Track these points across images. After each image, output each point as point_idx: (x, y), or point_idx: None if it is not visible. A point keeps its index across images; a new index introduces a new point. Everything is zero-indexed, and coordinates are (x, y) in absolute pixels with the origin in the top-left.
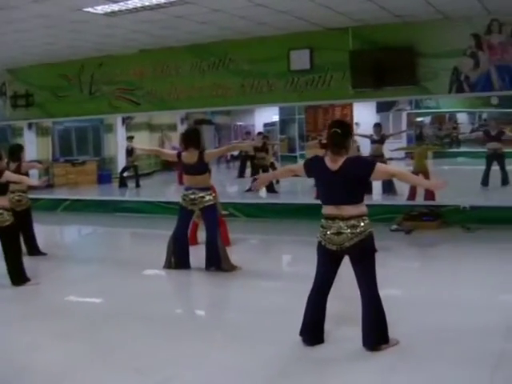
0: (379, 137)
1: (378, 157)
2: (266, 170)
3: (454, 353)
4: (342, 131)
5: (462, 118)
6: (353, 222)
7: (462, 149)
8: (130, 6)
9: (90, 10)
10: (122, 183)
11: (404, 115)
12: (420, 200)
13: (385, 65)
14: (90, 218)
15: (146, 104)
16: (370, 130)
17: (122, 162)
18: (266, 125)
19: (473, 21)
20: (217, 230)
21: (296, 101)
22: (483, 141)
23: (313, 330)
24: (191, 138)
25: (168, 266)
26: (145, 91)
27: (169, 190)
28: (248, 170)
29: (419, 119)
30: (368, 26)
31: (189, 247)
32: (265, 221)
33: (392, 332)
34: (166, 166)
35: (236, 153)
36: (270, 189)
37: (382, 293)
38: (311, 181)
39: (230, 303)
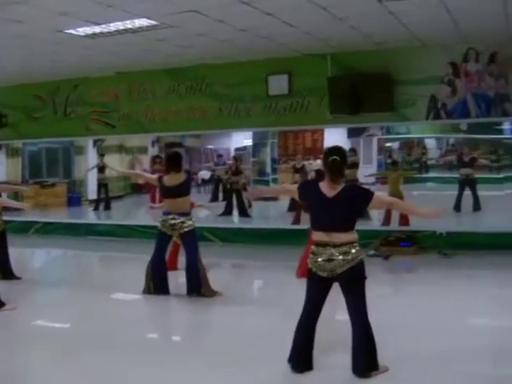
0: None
1: (352, 181)
2: (239, 194)
3: (444, 379)
4: (341, 159)
5: (430, 143)
6: (344, 248)
7: (431, 174)
8: (113, 29)
9: (71, 31)
10: (97, 206)
11: (375, 140)
12: (395, 225)
13: (363, 91)
14: (63, 241)
15: (121, 127)
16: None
17: (92, 184)
18: (237, 149)
19: (450, 49)
20: (197, 254)
21: (274, 125)
22: (455, 167)
23: (302, 357)
24: (174, 161)
25: (147, 291)
26: (120, 114)
27: (141, 212)
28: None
29: (388, 144)
30: (346, 53)
31: (167, 272)
32: (240, 245)
33: (379, 358)
34: (137, 189)
35: (207, 177)
36: (243, 213)
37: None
38: (285, 206)
39: (211, 330)
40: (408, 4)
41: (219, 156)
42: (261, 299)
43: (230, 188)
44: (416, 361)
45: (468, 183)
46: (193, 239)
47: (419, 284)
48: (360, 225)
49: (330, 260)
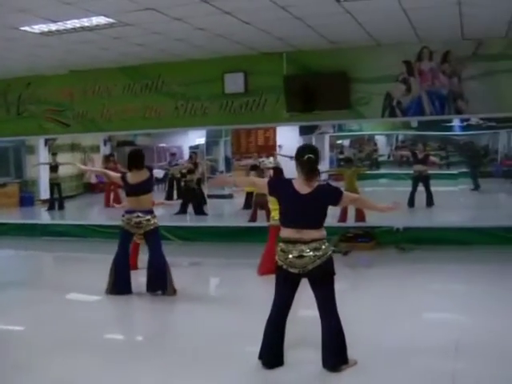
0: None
1: None
2: (194, 193)
3: (408, 374)
4: (315, 157)
5: (380, 140)
6: (315, 244)
7: (382, 170)
8: (69, 26)
9: (27, 28)
10: (51, 205)
11: (327, 138)
12: (351, 222)
13: (318, 89)
14: (16, 242)
15: (76, 125)
16: (292, 153)
17: (44, 184)
18: (191, 147)
19: (404, 48)
20: (162, 252)
21: (230, 124)
22: (406, 163)
23: (273, 353)
24: (136, 159)
25: (110, 291)
26: (75, 112)
27: (95, 212)
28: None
29: (339, 141)
30: (302, 52)
31: (130, 272)
32: (199, 244)
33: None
34: (89, 188)
35: (161, 175)
36: (199, 211)
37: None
38: (240, 204)
39: (179, 329)
40: (365, 4)
41: (172, 154)
42: (224, 297)
43: (184, 186)
44: (382, 356)
45: (421, 179)
46: (157, 237)
47: (378, 279)
48: None
49: (300, 256)
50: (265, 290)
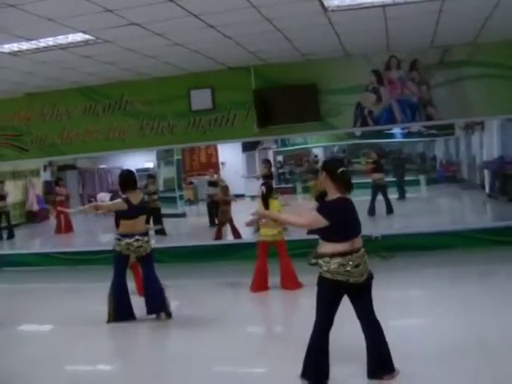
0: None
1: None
2: (158, 215)
3: (452, 376)
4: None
5: (317, 151)
6: (362, 251)
7: None
8: (41, 45)
9: None
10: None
11: (270, 153)
12: None
13: (289, 102)
14: None
15: (34, 150)
16: (235, 170)
17: None
18: (138, 170)
19: (372, 57)
20: (156, 274)
21: (199, 141)
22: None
23: (320, 370)
24: (130, 179)
25: (113, 319)
26: (33, 136)
27: (46, 240)
28: None
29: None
30: (270, 65)
31: (130, 296)
32: (173, 265)
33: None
34: (31, 217)
35: (107, 199)
36: (160, 231)
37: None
38: (194, 222)
39: (185, 355)
40: (349, 14)
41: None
42: (221, 319)
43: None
44: (420, 361)
45: (380, 188)
46: (152, 259)
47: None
48: (289, 236)
49: (357, 265)
50: (258, 309)
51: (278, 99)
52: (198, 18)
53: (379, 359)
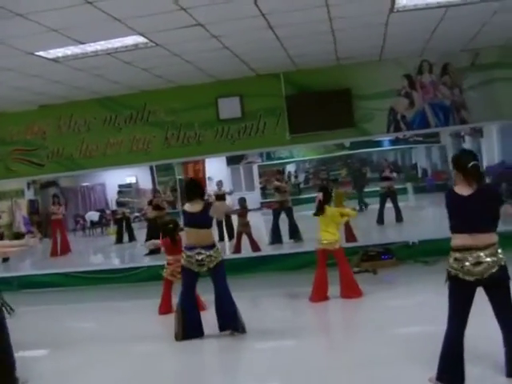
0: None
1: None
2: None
3: None
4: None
5: (290, 167)
6: (491, 249)
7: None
8: (90, 49)
9: (41, 53)
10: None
11: (255, 167)
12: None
13: (322, 109)
14: None
15: (51, 164)
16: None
17: None
18: (120, 186)
19: (404, 62)
20: (229, 288)
21: (228, 151)
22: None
23: (455, 373)
24: (195, 188)
25: (182, 337)
26: (49, 151)
27: (48, 260)
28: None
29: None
30: (301, 71)
31: (200, 313)
32: None
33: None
34: (19, 239)
35: (96, 218)
36: None
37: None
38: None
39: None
40: (406, 16)
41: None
42: (291, 330)
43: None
44: None
45: (389, 195)
46: (223, 272)
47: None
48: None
49: (477, 263)
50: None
51: (311, 105)
52: (264, 18)
53: None
